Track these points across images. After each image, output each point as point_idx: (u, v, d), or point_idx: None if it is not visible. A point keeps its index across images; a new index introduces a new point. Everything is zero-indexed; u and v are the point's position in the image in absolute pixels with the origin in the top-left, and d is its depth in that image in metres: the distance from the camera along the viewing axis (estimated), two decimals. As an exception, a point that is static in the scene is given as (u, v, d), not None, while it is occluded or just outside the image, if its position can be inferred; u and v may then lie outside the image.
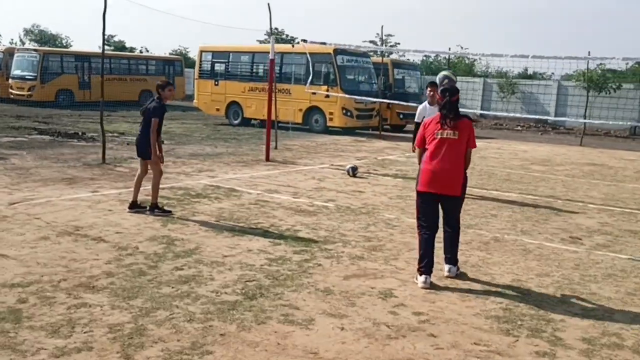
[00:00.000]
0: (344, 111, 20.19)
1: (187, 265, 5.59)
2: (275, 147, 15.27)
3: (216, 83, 23.28)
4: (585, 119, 21.67)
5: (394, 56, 27.89)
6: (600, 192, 11.11)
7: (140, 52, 45.85)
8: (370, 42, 35.33)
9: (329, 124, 20.56)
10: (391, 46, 31.00)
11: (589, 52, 18.61)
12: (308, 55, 18.50)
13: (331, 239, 6.80)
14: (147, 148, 7.39)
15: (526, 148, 19.40)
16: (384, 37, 34.41)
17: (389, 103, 19.86)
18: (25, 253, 5.71)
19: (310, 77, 18.19)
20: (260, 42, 40.67)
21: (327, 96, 20.03)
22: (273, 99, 13.94)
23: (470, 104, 29.79)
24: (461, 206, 5.84)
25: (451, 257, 5.79)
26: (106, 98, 13.02)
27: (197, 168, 11.54)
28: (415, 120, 9.57)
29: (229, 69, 23.25)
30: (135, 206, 7.51)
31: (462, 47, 35.61)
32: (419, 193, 5.67)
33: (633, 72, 30.26)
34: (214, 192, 9.13)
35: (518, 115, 26.92)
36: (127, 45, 48.21)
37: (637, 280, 5.87)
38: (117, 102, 26.30)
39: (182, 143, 15.79)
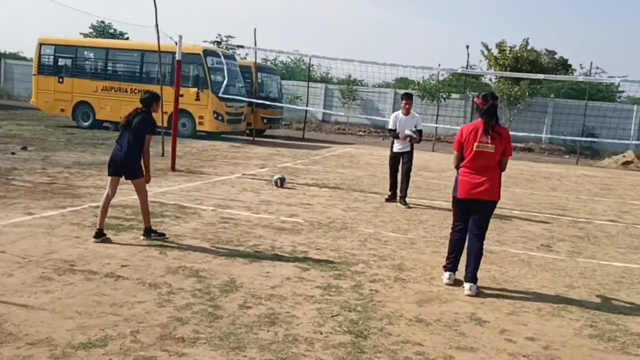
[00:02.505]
0: (216, 115, 19.45)
1: (250, 302, 4.96)
2: (162, 154, 14.22)
3: (60, 80, 20.99)
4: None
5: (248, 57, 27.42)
6: (508, 199, 12.02)
7: None
8: (213, 42, 34.37)
9: (198, 128, 19.65)
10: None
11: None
12: (175, 55, 17.45)
13: (347, 260, 6.51)
14: (136, 167, 6.40)
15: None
16: (224, 39, 33.92)
17: (256, 105, 19.59)
18: (46, 301, 4.62)
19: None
20: (85, 35, 37.54)
21: (198, 99, 19.14)
22: (159, 103, 12.86)
23: (313, 109, 30.36)
24: (492, 213, 5.98)
25: (472, 275, 5.82)
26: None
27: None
28: (390, 127, 10.27)
29: (77, 65, 21.08)
30: (101, 234, 6.44)
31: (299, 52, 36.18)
32: (458, 200, 5.90)
33: (453, 84, 33.23)
34: (165, 210, 8.21)
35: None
36: None
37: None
38: None
39: (50, 150, 13.99)
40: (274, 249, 6.71)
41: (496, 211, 10.04)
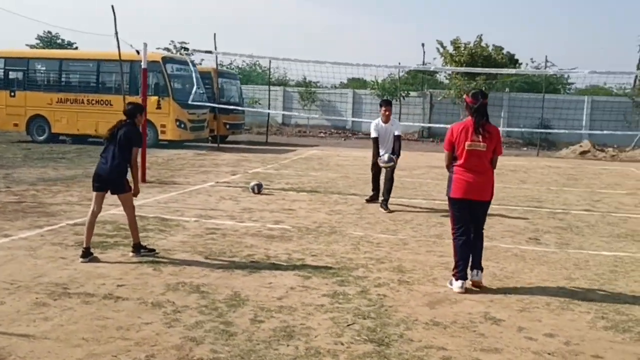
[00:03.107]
0: (178, 123, 19.06)
1: (261, 316, 4.79)
2: (128, 166, 13.79)
3: (12, 94, 20.22)
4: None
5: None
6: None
7: None
8: (164, 49, 33.73)
9: (160, 137, 19.20)
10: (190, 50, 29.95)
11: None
12: (131, 64, 17.11)
13: (346, 265, 6.40)
14: (123, 180, 6.13)
15: (358, 154, 20.28)
16: (179, 44, 33.36)
17: (219, 111, 19.31)
18: (48, 329, 4.34)
19: (136, 87, 16.84)
20: (31, 46, 36.38)
21: (159, 107, 18.72)
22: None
23: (273, 113, 30.10)
24: (488, 210, 5.99)
25: (479, 263, 5.84)
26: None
27: (82, 196, 9.89)
28: (372, 136, 10.09)
29: (30, 78, 20.35)
30: (88, 254, 6.14)
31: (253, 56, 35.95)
32: (453, 200, 5.78)
33: (409, 82, 33.46)
34: (147, 224, 7.93)
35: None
36: None
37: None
38: None
39: (9, 167, 13.45)
40: (269, 258, 6.54)
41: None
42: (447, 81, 32.03)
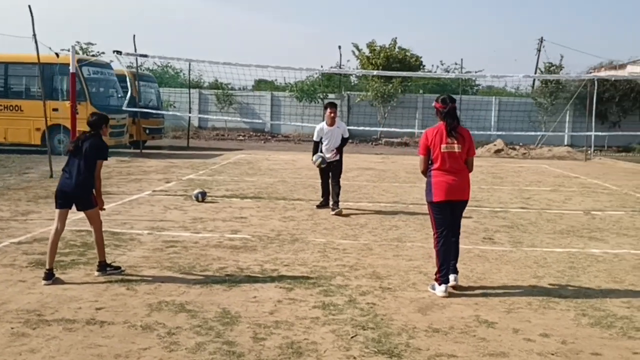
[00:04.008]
0: (97, 129, 18.09)
1: (260, 333, 4.64)
2: (51, 176, 13.05)
3: None
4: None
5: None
6: (422, 194, 12.38)
7: None
8: (113, 52, 31.82)
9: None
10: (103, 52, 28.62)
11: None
12: (43, 67, 16.10)
13: (322, 274, 6.34)
14: (90, 196, 5.74)
15: (287, 157, 20.18)
16: (84, 46, 31.81)
17: (139, 115, 18.61)
18: (38, 362, 3.97)
19: (50, 91, 15.92)
20: None
21: (76, 113, 17.71)
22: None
23: (186, 116, 29.30)
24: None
25: (454, 267, 6.03)
26: None
27: (13, 210, 9.21)
28: (315, 139, 9.76)
29: None
30: (51, 275, 5.71)
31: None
32: (435, 203, 5.87)
33: (324, 84, 33.68)
34: (99, 239, 7.46)
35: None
36: None
37: (605, 266, 6.88)
38: None
39: None
40: (242, 271, 6.36)
41: (418, 209, 10.39)
42: (362, 83, 32.48)
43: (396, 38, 29.91)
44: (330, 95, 30.26)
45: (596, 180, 15.87)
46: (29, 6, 12.91)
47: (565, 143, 28.47)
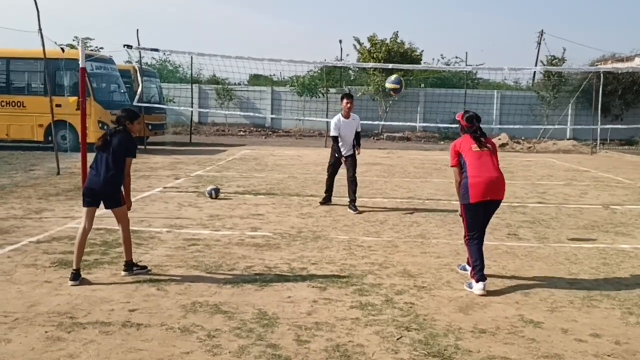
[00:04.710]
0: (101, 125, 17.92)
1: (303, 336, 4.48)
2: (58, 173, 12.85)
3: None
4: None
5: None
6: (435, 189, 12.25)
7: None
8: (68, 45, 31.58)
9: (81, 139, 17.91)
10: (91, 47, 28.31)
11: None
12: (47, 62, 15.84)
13: (352, 272, 6.19)
14: (119, 193, 5.56)
15: (292, 153, 20.01)
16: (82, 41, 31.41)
17: (144, 111, 18.32)
18: (79, 369, 3.80)
19: (53, 87, 15.67)
20: None
21: (79, 108, 17.47)
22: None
23: (187, 112, 29.08)
24: None
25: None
26: None
27: (26, 208, 9.01)
28: (332, 134, 9.54)
29: None
30: (78, 276, 5.53)
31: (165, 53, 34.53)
32: (471, 205, 5.75)
33: (324, 78, 33.42)
34: (118, 237, 7.20)
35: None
36: None
37: (639, 262, 6.74)
38: None
39: None
40: (271, 269, 6.19)
41: (435, 204, 10.25)
42: (362, 77, 32.25)
43: (397, 32, 29.70)
44: (331, 90, 30.01)
45: (607, 174, 15.75)
46: (35, 0, 12.67)
47: (568, 137, 28.38)
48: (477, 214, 5.77)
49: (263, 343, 4.28)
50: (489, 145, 5.90)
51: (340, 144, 9.77)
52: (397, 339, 4.45)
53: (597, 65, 24.66)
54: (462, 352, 4.24)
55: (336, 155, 9.79)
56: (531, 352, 4.27)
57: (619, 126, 23.51)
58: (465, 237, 5.90)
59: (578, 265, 6.66)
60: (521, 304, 5.31)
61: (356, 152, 9.76)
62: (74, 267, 5.46)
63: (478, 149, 5.79)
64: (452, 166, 5.95)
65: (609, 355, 4.25)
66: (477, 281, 5.60)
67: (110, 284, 5.55)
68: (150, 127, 21.23)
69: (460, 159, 5.88)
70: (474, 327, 4.73)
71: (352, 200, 9.63)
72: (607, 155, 22.31)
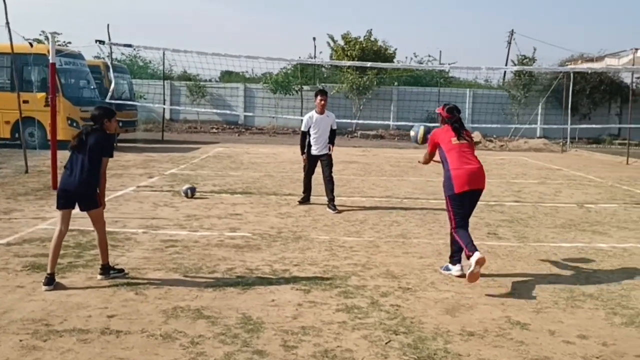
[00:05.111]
0: (70, 121, 17.52)
1: (290, 341, 4.37)
2: (26, 171, 12.50)
3: None
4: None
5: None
6: (412, 187, 12.23)
7: None
8: (35, 40, 30.79)
9: (50, 137, 17.47)
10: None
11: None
12: (12, 57, 15.41)
13: (335, 274, 6.10)
14: (95, 194, 5.36)
15: (267, 151, 19.84)
16: (49, 35, 30.73)
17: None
18: (58, 380, 3.63)
19: (21, 83, 15.24)
20: None
21: (47, 104, 17.04)
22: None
23: (158, 109, 28.58)
24: None
25: (459, 257, 6.12)
26: None
27: (-5, 208, 8.71)
28: (302, 129, 9.55)
29: None
30: (52, 280, 5.33)
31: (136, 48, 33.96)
32: (456, 195, 5.91)
33: (297, 75, 33.25)
34: (92, 239, 7.01)
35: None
36: None
37: (618, 262, 6.78)
38: None
39: None
40: (252, 272, 6.06)
41: (413, 203, 10.23)
42: (335, 75, 32.18)
43: (371, 30, 29.73)
44: (305, 88, 29.90)
45: (578, 172, 15.97)
46: (3, -5, 12.29)
47: (538, 135, 28.76)
48: (463, 204, 5.91)
49: (249, 349, 4.15)
50: (467, 137, 6.08)
51: (313, 140, 9.65)
52: (386, 343, 4.37)
53: (567, 65, 24.96)
54: (452, 356, 4.18)
55: (302, 151, 9.69)
56: (521, 355, 4.22)
57: (589, 125, 23.88)
58: (452, 228, 5.99)
59: (559, 265, 6.67)
60: (507, 305, 5.28)
61: (330, 149, 9.68)
62: (49, 271, 5.26)
63: (457, 141, 5.99)
64: (429, 151, 6.33)
65: (597, 358, 4.23)
66: (455, 263, 5.96)
67: (86, 288, 5.35)
68: (121, 124, 20.77)
69: (438, 150, 6.13)
70: (462, 329, 4.67)
71: (331, 200, 9.54)
72: (577, 153, 22.65)
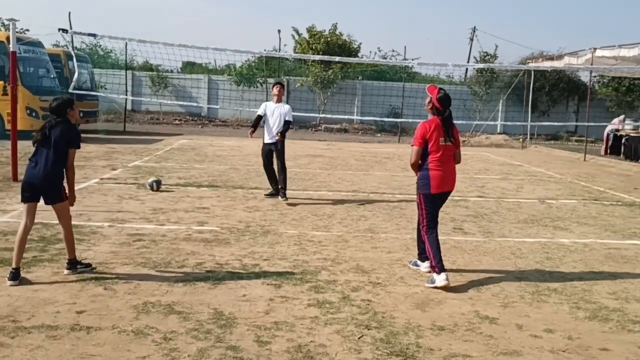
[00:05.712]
0: (29, 111, 17.06)
1: (263, 336, 4.37)
2: (-17, 162, 12.15)
3: None
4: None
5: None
6: (378, 182, 12.33)
7: None
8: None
9: (8, 127, 16.97)
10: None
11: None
12: None
13: (305, 268, 6.11)
14: (60, 188, 5.25)
15: (231, 144, 19.69)
16: (6, 22, 29.84)
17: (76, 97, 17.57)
18: (28, 379, 3.55)
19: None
20: None
21: (5, 93, 16.60)
22: None
23: (119, 99, 28.02)
24: None
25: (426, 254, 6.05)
26: None
27: (-47, 201, 8.44)
28: (259, 113, 9.87)
29: None
30: (18, 275, 5.21)
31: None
32: (432, 196, 5.87)
33: (261, 67, 33.04)
34: (57, 232, 6.89)
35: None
36: None
37: (579, 257, 6.98)
38: None
39: None
40: (222, 266, 6.03)
41: (379, 197, 10.33)
42: (300, 68, 32.14)
43: (336, 23, 29.74)
44: (269, 80, 29.72)
45: (539, 168, 16.34)
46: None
47: (499, 131, 29.27)
48: (436, 204, 5.94)
49: (223, 345, 4.14)
50: (452, 139, 5.88)
51: (266, 129, 9.81)
52: (359, 338, 4.41)
53: (528, 62, 25.46)
54: (424, 350, 4.24)
55: (252, 129, 10.03)
56: (490, 349, 4.31)
57: (548, 123, 24.41)
58: (424, 227, 5.94)
59: (523, 260, 6.83)
60: (475, 300, 5.38)
61: (278, 137, 9.71)
62: (14, 266, 5.13)
63: (444, 143, 5.81)
64: (417, 146, 5.83)
65: (563, 351, 4.35)
66: (440, 272, 5.65)
67: (53, 283, 5.25)
68: (82, 114, 20.31)
69: (425, 146, 5.82)
70: (432, 324, 4.74)
71: (282, 188, 9.64)
72: (537, 150, 23.15)
